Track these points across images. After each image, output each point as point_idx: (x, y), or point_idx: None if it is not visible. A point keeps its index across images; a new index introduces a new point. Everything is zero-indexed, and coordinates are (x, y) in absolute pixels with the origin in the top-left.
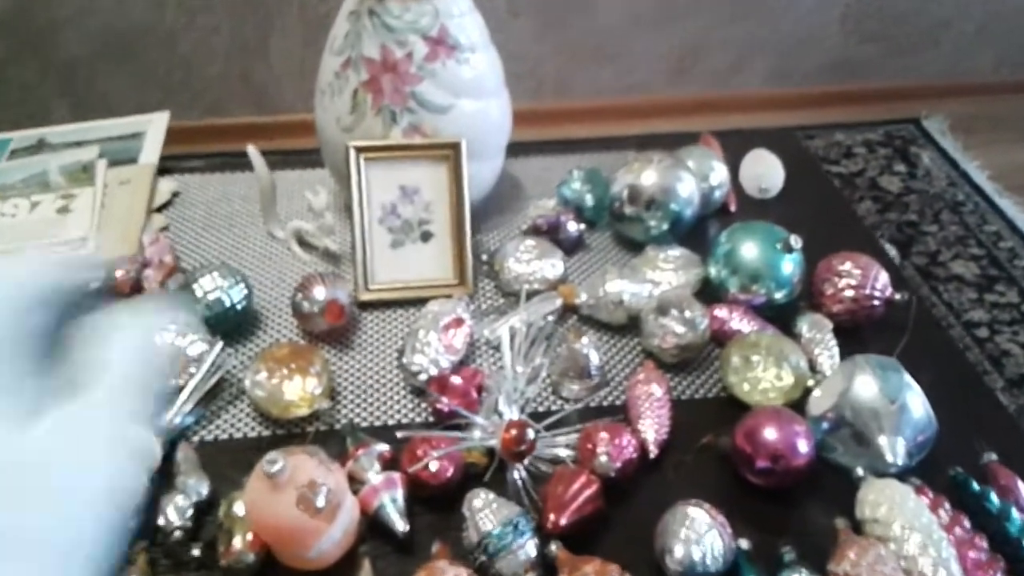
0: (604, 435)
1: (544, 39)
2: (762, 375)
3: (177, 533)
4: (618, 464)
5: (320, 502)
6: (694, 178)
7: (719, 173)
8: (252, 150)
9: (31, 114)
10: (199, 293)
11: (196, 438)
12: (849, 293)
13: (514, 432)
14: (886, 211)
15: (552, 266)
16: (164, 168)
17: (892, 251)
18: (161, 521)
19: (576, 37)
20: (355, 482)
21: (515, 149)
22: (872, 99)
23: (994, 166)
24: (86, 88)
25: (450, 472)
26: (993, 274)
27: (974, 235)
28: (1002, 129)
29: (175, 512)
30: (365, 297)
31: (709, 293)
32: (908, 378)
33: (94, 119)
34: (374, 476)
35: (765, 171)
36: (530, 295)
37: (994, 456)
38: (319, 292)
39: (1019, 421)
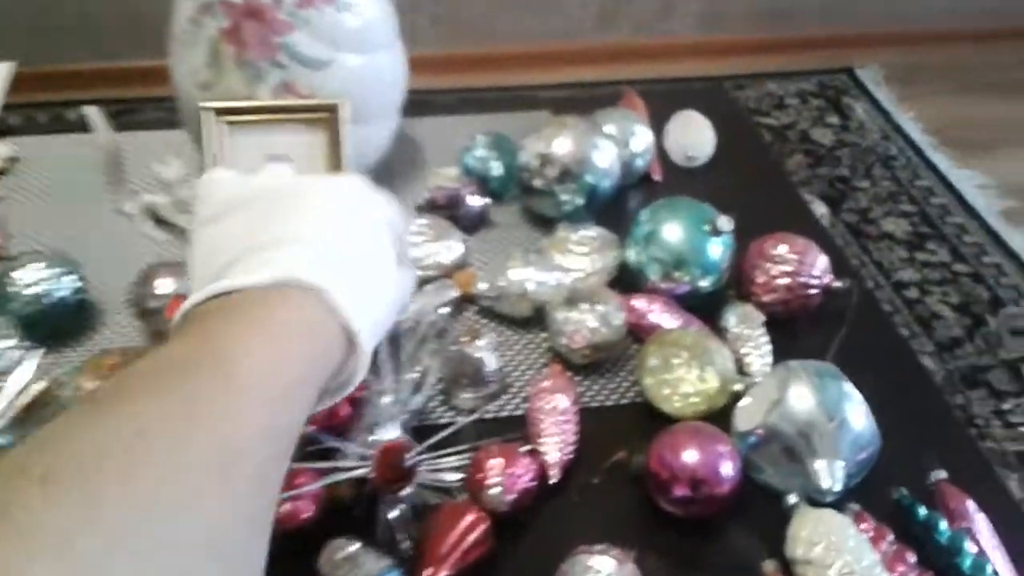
0: (497, 461)
1: None
2: (684, 377)
3: None
4: (513, 496)
5: None
6: (614, 145)
7: (642, 139)
8: (91, 111)
9: None
10: (15, 286)
11: None
12: (783, 281)
13: (391, 458)
14: (817, 165)
15: (449, 248)
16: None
17: (823, 208)
18: None
19: None
20: None
21: (417, 107)
22: (805, 47)
23: (929, 119)
24: None
25: (307, 513)
26: (924, 232)
27: (906, 191)
28: (939, 80)
29: None
30: None
31: (627, 280)
32: (849, 387)
33: None
34: None
35: (693, 137)
36: (421, 283)
37: (943, 474)
38: (164, 284)
39: (969, 428)
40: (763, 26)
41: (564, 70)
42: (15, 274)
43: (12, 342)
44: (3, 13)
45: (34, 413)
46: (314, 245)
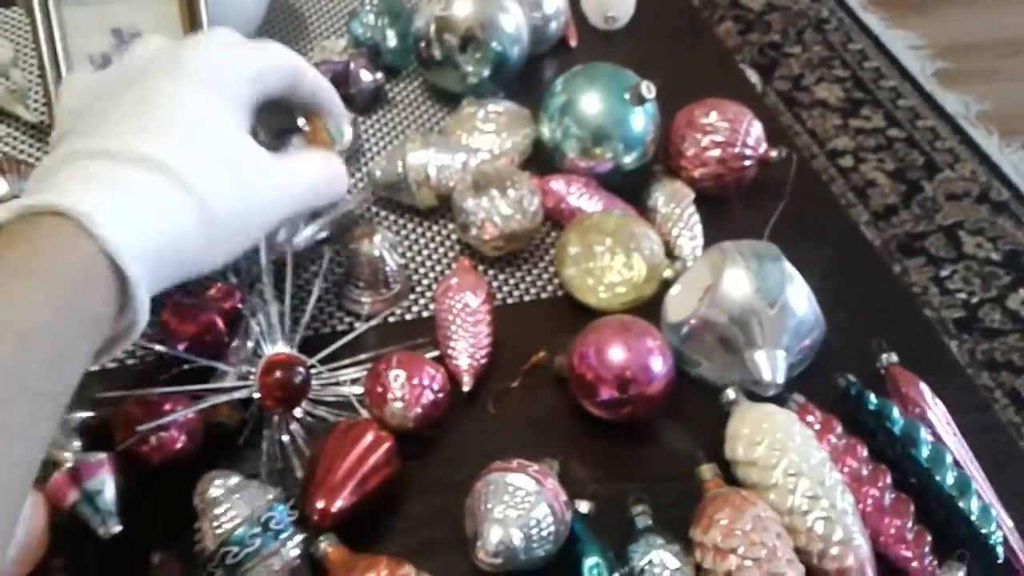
0: (399, 373)
1: None
2: (608, 266)
3: None
4: (419, 410)
5: None
6: (522, 7)
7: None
8: None
9: None
10: None
11: None
12: (715, 152)
13: (277, 374)
14: (747, 32)
15: (340, 132)
16: None
17: (754, 77)
18: None
19: None
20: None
21: None
22: None
23: None
24: None
25: (179, 444)
26: (858, 97)
27: (839, 55)
28: None
29: None
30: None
31: (542, 160)
32: (789, 268)
33: None
34: (70, 457)
35: None
36: None
37: (894, 357)
38: None
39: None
40: None
41: None
42: None
43: None
44: None
45: None
46: (104, 153)
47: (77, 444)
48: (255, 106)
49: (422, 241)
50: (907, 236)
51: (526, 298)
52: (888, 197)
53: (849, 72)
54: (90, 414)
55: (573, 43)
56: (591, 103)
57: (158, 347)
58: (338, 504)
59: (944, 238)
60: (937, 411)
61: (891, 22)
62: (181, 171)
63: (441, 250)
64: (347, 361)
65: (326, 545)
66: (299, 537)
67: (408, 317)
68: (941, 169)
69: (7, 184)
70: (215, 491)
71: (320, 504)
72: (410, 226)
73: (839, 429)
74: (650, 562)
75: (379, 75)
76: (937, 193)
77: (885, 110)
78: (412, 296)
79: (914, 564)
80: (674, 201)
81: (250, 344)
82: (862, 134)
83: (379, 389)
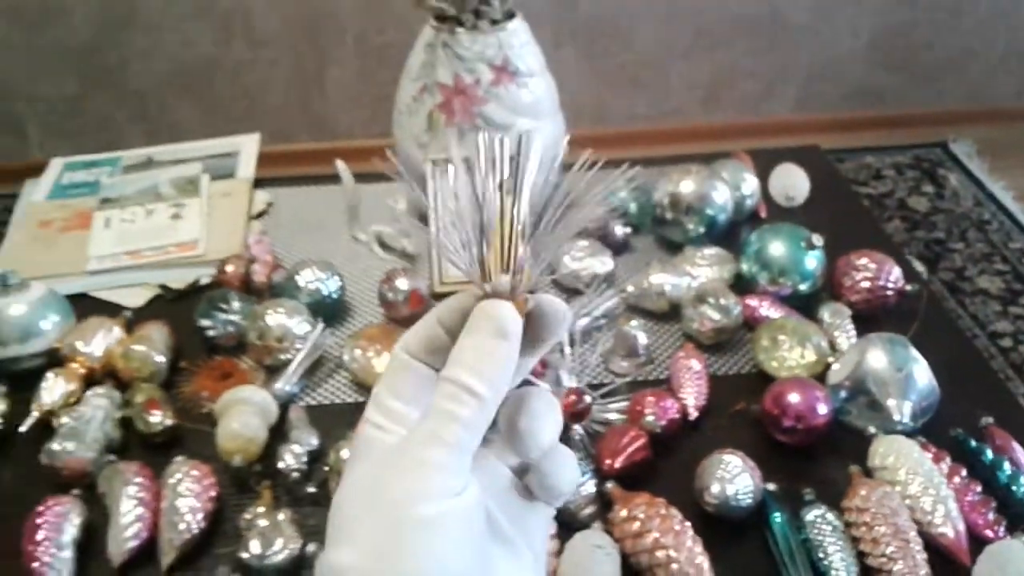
0: (651, 399)
1: (583, 69)
2: (788, 354)
3: (294, 475)
4: (663, 422)
5: None
6: (728, 187)
7: (750, 183)
8: (340, 164)
9: (109, 141)
10: (301, 283)
11: (302, 403)
12: (865, 284)
13: (573, 397)
14: (914, 229)
15: (602, 263)
16: (256, 182)
17: (920, 267)
18: (281, 465)
19: (613, 67)
20: None
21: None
22: (899, 124)
23: (1019, 187)
24: (157, 117)
25: None
26: (1017, 288)
27: (999, 252)
28: None
29: (292, 458)
30: (439, 290)
31: (741, 286)
32: (914, 352)
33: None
34: None
35: (792, 181)
36: (584, 288)
37: (991, 420)
38: (402, 283)
39: (1016, 396)
40: (858, 105)
41: (672, 147)
42: (297, 276)
43: (302, 319)
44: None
45: (317, 369)
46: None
47: None
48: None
49: (657, 334)
50: None
51: (730, 372)
52: None
53: (1009, 267)
54: None
55: (763, 214)
56: (777, 248)
57: None
58: (619, 463)
59: None
60: (1019, 453)
61: None
62: None
63: (670, 340)
64: (613, 398)
65: (611, 485)
66: (595, 480)
67: (650, 378)
68: None
69: (408, 282)
70: None
71: (608, 460)
72: (649, 324)
73: (948, 459)
74: (818, 517)
75: (627, 229)
76: None
77: None
78: (651, 365)
79: (987, 532)
80: (836, 315)
81: (554, 380)
82: (1021, 319)
83: (638, 408)
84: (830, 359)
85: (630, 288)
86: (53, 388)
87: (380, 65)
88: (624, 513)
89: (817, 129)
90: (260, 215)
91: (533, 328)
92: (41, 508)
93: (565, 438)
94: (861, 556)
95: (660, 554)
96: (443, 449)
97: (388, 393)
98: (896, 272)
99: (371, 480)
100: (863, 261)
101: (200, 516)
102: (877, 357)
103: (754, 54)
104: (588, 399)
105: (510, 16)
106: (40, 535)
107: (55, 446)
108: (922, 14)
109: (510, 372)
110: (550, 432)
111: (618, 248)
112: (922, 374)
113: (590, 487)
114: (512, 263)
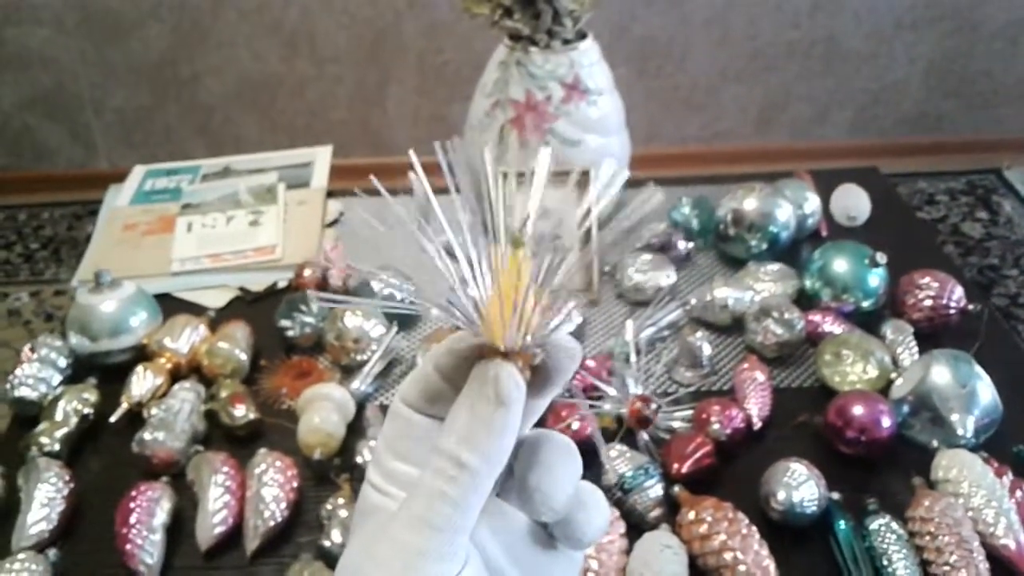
0: (716, 408)
1: (637, 89)
2: (851, 369)
3: None
4: (728, 431)
5: None
6: (790, 205)
7: (812, 202)
8: (414, 176)
9: (172, 152)
10: (376, 288)
11: (377, 402)
12: (928, 303)
13: (639, 403)
14: (968, 255)
15: (667, 276)
16: (328, 192)
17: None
18: (359, 459)
19: (667, 88)
20: None
21: (628, 183)
22: (953, 150)
23: None
24: (220, 130)
25: (588, 430)
26: None
27: None
28: None
29: (369, 453)
30: None
31: (804, 302)
32: (978, 368)
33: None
34: None
35: (853, 201)
36: (649, 300)
37: None
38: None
39: None
40: (912, 131)
41: (724, 168)
42: (372, 283)
43: (377, 322)
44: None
45: (391, 370)
46: None
47: None
48: None
49: (720, 347)
50: None
51: (793, 385)
52: None
53: None
54: None
55: (824, 233)
56: (840, 265)
57: (576, 379)
58: (686, 467)
59: None
60: None
61: None
62: None
63: (733, 352)
64: (679, 407)
65: (678, 489)
66: (662, 483)
67: (713, 389)
68: None
69: None
70: (615, 451)
71: (676, 465)
72: (712, 337)
73: (1010, 474)
74: (882, 526)
75: (690, 244)
76: None
77: None
78: (715, 375)
79: None
80: (898, 332)
81: (620, 387)
82: None
83: (704, 416)
84: (892, 375)
85: (693, 301)
86: (142, 381)
87: (438, 83)
88: (692, 515)
89: (871, 154)
90: (333, 223)
91: (543, 372)
92: (134, 493)
93: (631, 442)
94: (924, 565)
95: (727, 556)
96: (430, 533)
97: (387, 452)
98: (959, 291)
99: (361, 559)
100: (926, 280)
101: (283, 505)
102: (941, 373)
103: (808, 78)
104: (654, 406)
105: (582, 36)
106: (133, 518)
107: (147, 436)
108: (980, 43)
109: (510, 441)
110: (565, 489)
111: (680, 263)
112: (985, 391)
113: (658, 490)
114: (520, 314)
